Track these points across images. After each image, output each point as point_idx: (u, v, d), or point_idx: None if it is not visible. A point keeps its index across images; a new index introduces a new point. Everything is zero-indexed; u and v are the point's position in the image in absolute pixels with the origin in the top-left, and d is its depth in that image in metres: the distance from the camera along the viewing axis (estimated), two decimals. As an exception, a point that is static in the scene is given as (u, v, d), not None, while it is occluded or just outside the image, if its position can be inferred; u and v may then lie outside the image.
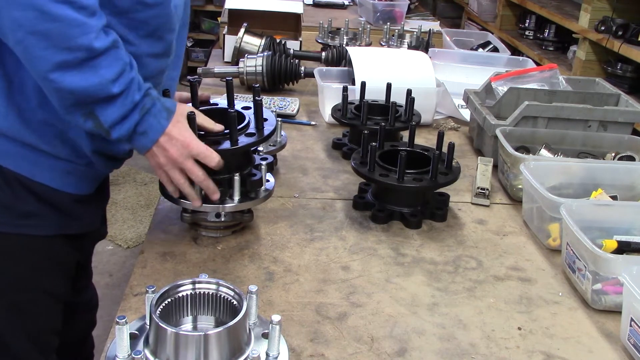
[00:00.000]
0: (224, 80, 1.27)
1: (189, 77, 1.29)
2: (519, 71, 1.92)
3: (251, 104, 1.22)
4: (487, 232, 1.35)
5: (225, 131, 1.15)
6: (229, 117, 1.13)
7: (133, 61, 1.03)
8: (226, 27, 2.62)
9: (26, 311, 1.19)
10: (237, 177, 1.17)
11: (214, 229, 1.25)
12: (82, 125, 1.02)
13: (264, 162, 1.22)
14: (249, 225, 1.29)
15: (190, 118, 1.10)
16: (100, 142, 1.11)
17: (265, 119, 1.22)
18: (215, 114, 1.17)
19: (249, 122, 1.20)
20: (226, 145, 1.14)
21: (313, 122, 1.88)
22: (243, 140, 1.15)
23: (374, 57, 1.98)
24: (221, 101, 1.29)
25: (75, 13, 0.92)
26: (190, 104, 1.20)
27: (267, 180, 1.24)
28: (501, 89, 1.82)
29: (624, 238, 1.21)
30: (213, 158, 1.09)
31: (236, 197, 1.18)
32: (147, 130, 1.05)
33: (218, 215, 1.22)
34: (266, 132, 1.19)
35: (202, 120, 1.14)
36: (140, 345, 0.84)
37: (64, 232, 1.18)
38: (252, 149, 1.24)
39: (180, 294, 0.89)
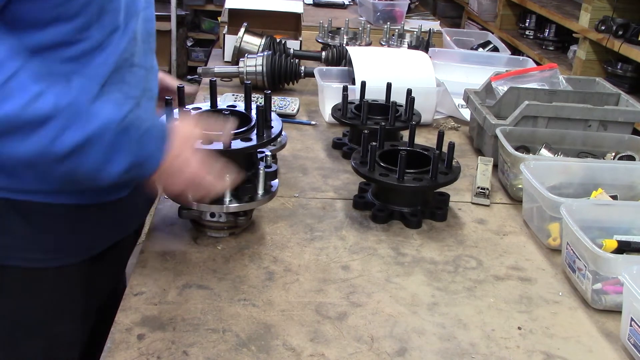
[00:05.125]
0: (224, 80, 1.27)
1: (188, 77, 1.28)
2: (519, 71, 1.92)
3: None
4: (487, 232, 1.35)
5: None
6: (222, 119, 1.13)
7: (77, 99, 0.89)
8: (226, 26, 2.62)
9: (67, 341, 1.16)
10: (227, 179, 1.16)
11: (214, 229, 1.24)
12: (67, 185, 0.97)
13: (261, 169, 1.20)
14: (249, 225, 1.29)
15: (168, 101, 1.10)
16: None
17: (271, 126, 1.21)
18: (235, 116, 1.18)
19: (252, 126, 1.20)
20: (217, 146, 1.13)
21: (313, 122, 1.88)
22: (236, 144, 1.14)
23: (374, 57, 1.98)
24: (240, 104, 1.29)
25: None
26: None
27: (271, 186, 1.23)
28: (501, 88, 1.82)
29: (624, 238, 1.21)
30: (219, 186, 1.05)
31: (226, 199, 1.17)
32: (143, 162, 0.95)
33: (213, 215, 1.22)
34: (265, 138, 1.18)
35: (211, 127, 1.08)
36: None
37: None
38: (252, 152, 1.23)
39: None
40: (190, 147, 1.01)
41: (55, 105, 0.86)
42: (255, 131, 1.19)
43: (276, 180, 1.25)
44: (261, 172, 1.20)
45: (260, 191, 1.21)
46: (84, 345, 1.18)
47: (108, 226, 1.15)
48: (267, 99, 1.23)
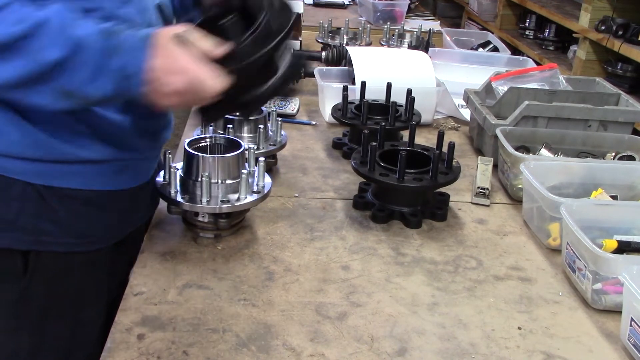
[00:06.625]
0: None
1: None
2: (519, 71, 1.92)
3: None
4: (487, 232, 1.35)
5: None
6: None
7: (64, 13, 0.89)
8: (226, 26, 2.62)
9: (90, 324, 1.19)
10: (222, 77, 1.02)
11: (200, 229, 1.24)
12: (67, 106, 0.93)
13: (244, 173, 1.18)
14: (248, 225, 1.29)
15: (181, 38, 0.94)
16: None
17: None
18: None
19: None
20: None
21: (313, 122, 1.88)
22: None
23: (374, 57, 1.98)
24: None
25: None
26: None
27: (256, 192, 1.23)
28: (501, 88, 1.82)
29: (624, 238, 1.21)
30: (216, 83, 0.94)
31: (204, 199, 1.17)
32: (128, 73, 0.91)
33: (196, 213, 1.21)
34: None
35: (198, 41, 0.95)
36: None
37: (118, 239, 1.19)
38: None
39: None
40: (178, 44, 0.94)
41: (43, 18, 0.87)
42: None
43: (268, 183, 1.25)
44: (243, 176, 1.19)
45: (243, 195, 1.20)
46: (102, 331, 1.20)
47: (133, 212, 1.19)
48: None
